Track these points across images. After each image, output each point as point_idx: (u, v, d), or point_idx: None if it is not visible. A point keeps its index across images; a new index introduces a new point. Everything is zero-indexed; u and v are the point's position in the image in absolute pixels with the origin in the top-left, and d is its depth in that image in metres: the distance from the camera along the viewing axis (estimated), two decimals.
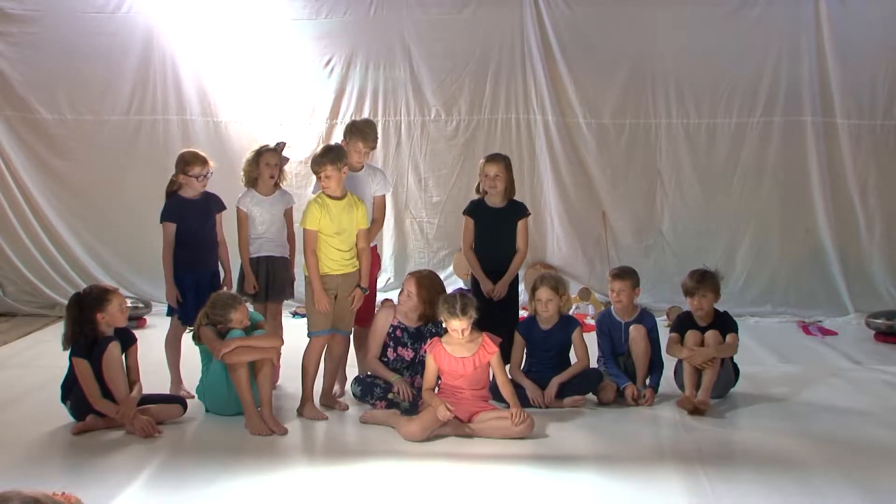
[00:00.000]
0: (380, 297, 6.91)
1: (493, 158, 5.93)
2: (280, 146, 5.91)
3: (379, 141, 6.86)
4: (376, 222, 5.72)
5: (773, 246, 8.34)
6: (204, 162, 5.69)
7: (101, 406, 4.94)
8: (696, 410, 5.26)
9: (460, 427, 4.94)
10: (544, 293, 5.57)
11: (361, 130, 5.67)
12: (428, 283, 5.51)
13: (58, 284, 8.25)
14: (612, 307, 5.76)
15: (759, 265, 8.32)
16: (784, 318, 8.01)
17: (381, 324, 5.53)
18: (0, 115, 8.29)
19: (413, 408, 5.21)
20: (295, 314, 7.68)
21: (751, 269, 8.30)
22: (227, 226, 5.90)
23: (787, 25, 8.18)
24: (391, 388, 5.36)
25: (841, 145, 8.24)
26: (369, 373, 5.58)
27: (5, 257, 8.32)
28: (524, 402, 5.25)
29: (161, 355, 5.73)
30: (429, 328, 5.49)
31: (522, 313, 6.04)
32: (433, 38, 8.40)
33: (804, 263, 8.26)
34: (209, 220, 5.78)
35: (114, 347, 4.99)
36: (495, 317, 5.58)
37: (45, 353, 6.63)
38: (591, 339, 5.77)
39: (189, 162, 5.67)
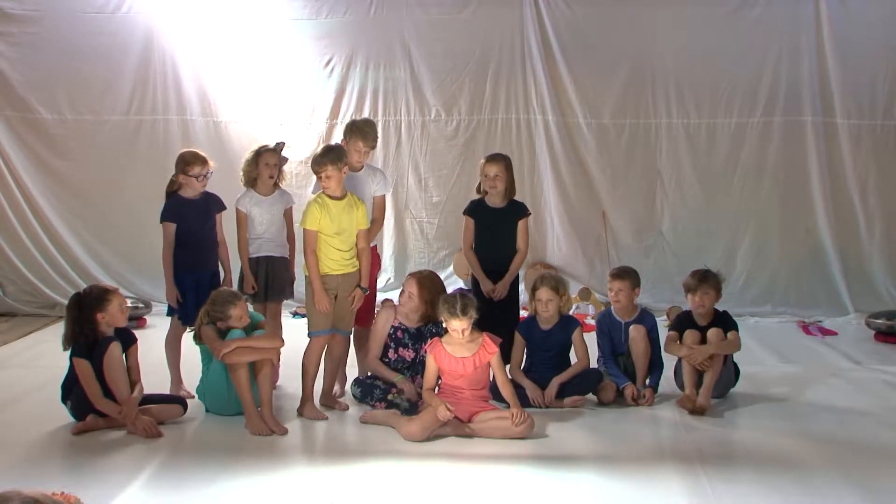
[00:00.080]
0: (380, 297, 6.91)
1: (493, 158, 5.93)
2: (279, 146, 5.91)
3: (379, 141, 6.87)
4: (376, 222, 5.72)
5: (773, 246, 8.34)
6: (204, 162, 5.69)
7: (102, 406, 4.94)
8: (696, 410, 5.26)
9: (460, 427, 4.94)
10: (544, 293, 5.57)
11: (361, 129, 5.67)
12: (429, 284, 5.51)
13: (58, 284, 8.25)
14: (612, 307, 5.76)
15: (759, 265, 8.32)
16: (784, 318, 8.01)
17: (382, 325, 5.53)
18: (0, 115, 8.29)
19: (413, 408, 5.21)
20: (295, 314, 7.69)
21: (751, 269, 8.31)
22: (227, 226, 5.90)
23: (787, 25, 8.18)
24: (391, 389, 5.36)
25: (841, 145, 8.24)
26: (369, 374, 5.59)
27: (5, 257, 8.32)
28: (524, 402, 5.25)
29: (161, 355, 5.73)
30: (429, 328, 5.49)
31: (523, 313, 6.04)
32: (433, 38, 8.40)
33: (804, 263, 8.27)
34: (209, 220, 5.78)
35: (115, 347, 4.99)
36: (495, 317, 5.58)
37: (46, 353, 6.63)
38: (591, 339, 5.77)
39: (189, 162, 5.67)
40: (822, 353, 6.94)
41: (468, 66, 8.41)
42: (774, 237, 8.34)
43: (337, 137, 7.23)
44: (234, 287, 5.76)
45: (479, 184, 5.96)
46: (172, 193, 5.74)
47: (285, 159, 6.00)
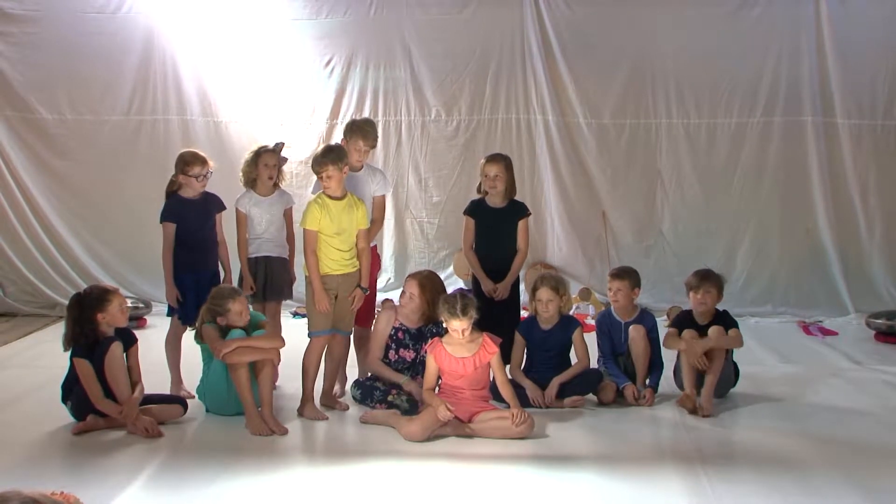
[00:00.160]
0: (380, 297, 6.91)
1: (493, 158, 5.93)
2: (278, 147, 5.91)
3: (379, 141, 6.88)
4: (376, 222, 5.72)
5: (774, 246, 8.34)
6: (203, 162, 5.69)
7: (103, 406, 4.94)
8: (696, 410, 5.26)
9: (460, 427, 4.94)
10: (545, 293, 5.57)
11: (362, 129, 5.67)
12: (429, 284, 5.51)
13: (58, 284, 8.25)
14: (612, 307, 5.77)
15: (759, 265, 8.32)
16: (784, 318, 8.01)
17: (383, 326, 5.53)
18: (0, 115, 8.29)
19: (413, 408, 5.21)
20: (295, 314, 7.69)
21: (751, 269, 8.31)
22: (226, 226, 5.90)
23: (787, 25, 8.18)
24: (391, 390, 5.36)
25: (841, 145, 8.24)
26: (369, 376, 5.59)
27: (5, 257, 8.32)
28: (524, 402, 5.25)
29: (161, 355, 5.73)
30: (430, 328, 5.49)
31: (523, 313, 6.04)
32: (433, 38, 8.40)
33: (804, 263, 8.27)
34: (209, 221, 5.78)
35: (116, 348, 4.99)
36: (496, 317, 5.58)
37: (46, 354, 6.63)
38: (591, 339, 5.77)
39: (189, 162, 5.67)
40: (823, 353, 6.94)
41: (468, 66, 8.41)
42: (774, 237, 8.34)
43: (337, 137, 7.23)
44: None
45: (480, 184, 5.96)
46: (172, 193, 5.74)
47: (285, 159, 6.01)
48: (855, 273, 8.22)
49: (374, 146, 5.86)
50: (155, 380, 5.41)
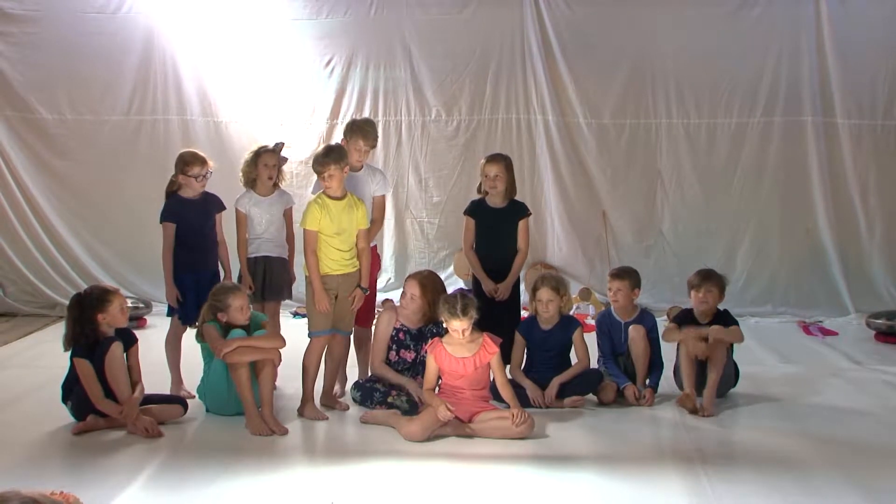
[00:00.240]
0: (380, 297, 6.92)
1: (493, 159, 5.93)
2: (278, 147, 5.91)
3: (379, 141, 6.88)
4: (376, 222, 5.72)
5: (774, 246, 8.34)
6: (203, 162, 5.69)
7: (103, 406, 4.94)
8: (696, 410, 5.26)
9: (461, 427, 4.94)
10: (545, 293, 5.57)
11: (362, 128, 5.67)
12: (430, 284, 5.51)
13: (58, 284, 8.25)
14: (612, 307, 5.77)
15: (759, 265, 8.32)
16: (784, 318, 8.02)
17: (384, 328, 5.52)
18: (0, 115, 8.29)
19: (413, 408, 5.21)
20: (295, 314, 7.69)
21: (751, 269, 8.31)
22: (226, 226, 5.90)
23: (787, 25, 8.18)
24: (391, 392, 5.35)
25: (841, 145, 8.24)
26: (369, 377, 5.58)
27: (6, 257, 8.32)
28: (524, 402, 5.25)
29: (161, 355, 5.73)
30: (430, 328, 5.49)
31: (523, 313, 6.04)
32: (433, 38, 8.40)
33: (804, 263, 8.27)
34: (209, 221, 5.78)
35: (116, 348, 4.99)
36: (496, 317, 5.58)
37: (46, 354, 6.63)
38: (591, 339, 5.77)
39: (188, 162, 5.67)
40: (823, 353, 6.94)
41: (468, 66, 8.41)
42: (774, 237, 8.34)
43: (337, 137, 7.23)
44: None
45: (480, 184, 5.97)
46: (172, 193, 5.74)
47: (285, 159, 6.01)
48: (855, 273, 8.23)
49: (374, 146, 5.86)
50: (155, 380, 5.41)
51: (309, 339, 5.40)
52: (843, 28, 8.12)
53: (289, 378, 5.55)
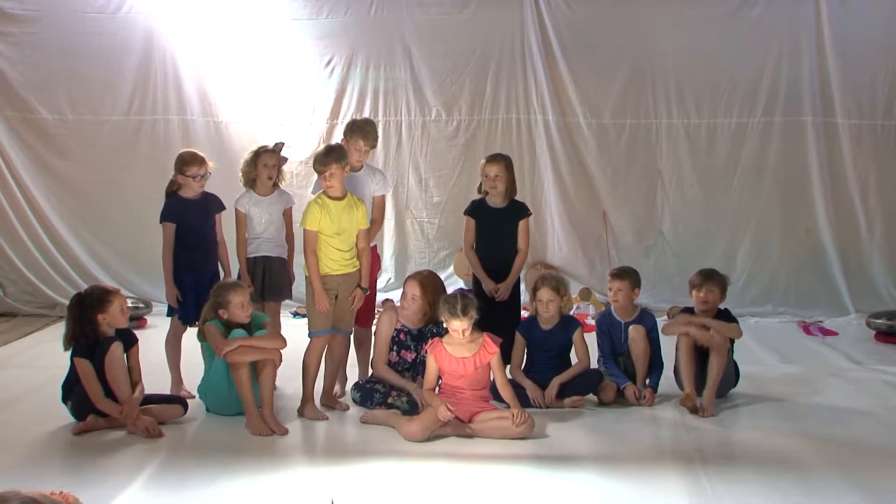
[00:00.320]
0: (380, 297, 6.92)
1: (493, 159, 5.93)
2: (278, 147, 5.91)
3: (379, 141, 6.87)
4: (376, 222, 5.71)
5: (774, 246, 8.34)
6: (201, 162, 5.69)
7: (104, 406, 4.94)
8: (697, 409, 5.26)
9: (461, 427, 4.94)
10: (545, 294, 5.57)
11: (362, 128, 5.67)
12: (430, 284, 5.51)
13: (58, 285, 8.25)
14: (612, 307, 5.77)
15: (759, 265, 8.32)
16: (784, 318, 8.02)
17: (385, 330, 5.52)
18: (0, 115, 8.29)
19: (413, 409, 5.21)
20: (295, 314, 7.69)
21: (751, 269, 8.31)
22: (226, 226, 5.90)
23: (787, 25, 8.18)
24: (391, 392, 5.35)
25: (841, 145, 8.24)
26: (370, 378, 5.58)
27: (6, 257, 8.32)
28: (524, 402, 5.25)
29: (161, 355, 5.73)
30: (430, 329, 5.49)
31: (523, 313, 6.04)
32: (433, 38, 8.40)
33: (804, 263, 8.27)
34: (209, 221, 5.78)
35: (116, 348, 5.00)
36: (496, 317, 5.58)
37: (46, 354, 6.63)
38: (591, 339, 5.77)
39: (187, 162, 5.67)
40: (823, 353, 6.94)
41: (468, 66, 8.41)
42: (774, 237, 8.34)
43: (337, 138, 7.23)
44: None
45: (480, 184, 5.97)
46: (172, 193, 5.74)
47: (284, 159, 6.01)
48: (855, 273, 8.23)
49: (374, 146, 5.86)
50: (155, 380, 5.41)
51: (309, 339, 5.40)
52: (843, 28, 8.12)
53: (289, 378, 5.56)
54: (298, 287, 6.09)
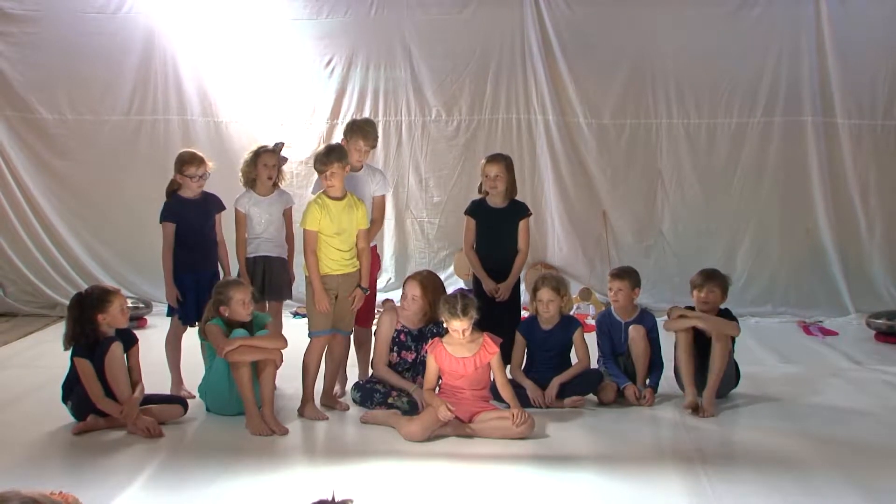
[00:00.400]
0: (380, 297, 6.91)
1: (493, 159, 5.93)
2: (278, 147, 5.91)
3: (379, 141, 6.87)
4: (376, 222, 5.72)
5: (774, 246, 8.34)
6: (201, 162, 5.68)
7: (104, 406, 4.94)
8: (697, 409, 5.26)
9: (461, 427, 4.94)
10: (546, 294, 5.57)
11: (362, 128, 5.67)
12: (430, 285, 5.51)
13: (58, 284, 8.25)
14: (612, 307, 5.77)
15: (759, 265, 8.32)
16: (784, 318, 8.02)
17: (386, 331, 5.51)
18: (0, 115, 8.29)
19: (413, 409, 5.21)
20: (295, 314, 7.68)
21: (751, 269, 8.31)
22: (226, 226, 5.90)
23: (787, 25, 8.18)
24: (391, 393, 5.35)
25: (841, 145, 8.24)
26: (370, 378, 5.58)
27: (6, 257, 8.32)
28: (525, 402, 5.25)
29: (161, 355, 5.73)
30: (430, 329, 5.49)
31: (523, 313, 6.04)
32: (433, 38, 8.39)
33: (804, 263, 8.27)
34: (209, 221, 5.78)
35: (116, 348, 5.00)
36: (496, 317, 5.58)
37: (46, 354, 6.63)
38: (591, 339, 5.77)
39: (186, 162, 5.67)
40: (823, 353, 6.94)
41: (468, 66, 8.41)
42: (774, 237, 8.34)
43: (337, 138, 7.23)
44: None
45: (480, 184, 5.97)
46: (172, 193, 5.74)
47: (284, 159, 6.01)
48: (855, 273, 8.22)
49: (374, 146, 5.87)
50: (155, 380, 5.41)
51: (309, 339, 5.40)
52: (843, 28, 8.12)
53: (289, 378, 5.56)
54: (298, 287, 6.09)
